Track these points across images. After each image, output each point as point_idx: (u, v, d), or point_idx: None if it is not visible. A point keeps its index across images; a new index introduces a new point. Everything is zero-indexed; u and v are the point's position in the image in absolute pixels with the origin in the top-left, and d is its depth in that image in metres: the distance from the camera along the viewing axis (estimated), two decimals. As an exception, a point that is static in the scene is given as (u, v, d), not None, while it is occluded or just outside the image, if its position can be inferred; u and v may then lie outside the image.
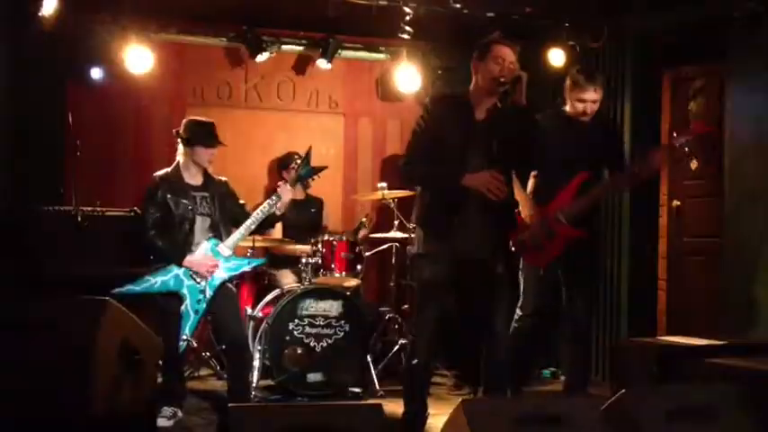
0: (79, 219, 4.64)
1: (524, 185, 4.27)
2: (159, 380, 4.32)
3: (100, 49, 5.38)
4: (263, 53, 5.88)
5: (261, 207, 4.28)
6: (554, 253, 4.15)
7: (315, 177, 4.60)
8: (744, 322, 4.42)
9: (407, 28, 5.25)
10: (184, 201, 4.18)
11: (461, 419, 2.40)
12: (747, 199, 4.48)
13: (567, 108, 4.27)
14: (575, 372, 4.45)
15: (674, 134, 4.04)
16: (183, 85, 6.05)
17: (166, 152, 5.90)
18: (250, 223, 4.24)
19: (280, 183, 4.40)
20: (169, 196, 4.16)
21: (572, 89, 4.20)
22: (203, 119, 4.38)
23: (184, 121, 4.37)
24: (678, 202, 5.32)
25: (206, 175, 4.33)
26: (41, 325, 2.84)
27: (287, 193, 4.29)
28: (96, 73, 5.46)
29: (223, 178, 4.43)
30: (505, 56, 3.56)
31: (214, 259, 4.16)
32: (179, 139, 4.28)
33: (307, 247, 5.02)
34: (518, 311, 4.34)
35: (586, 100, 4.16)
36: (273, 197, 4.28)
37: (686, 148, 4.03)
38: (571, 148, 4.14)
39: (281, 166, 5.84)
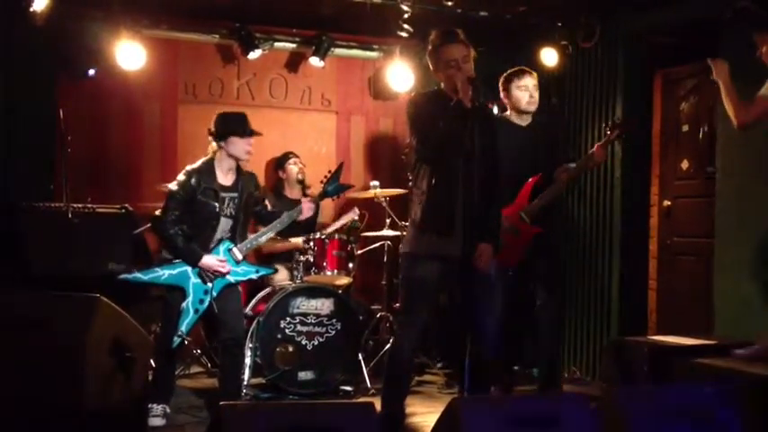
0: (69, 215, 4.61)
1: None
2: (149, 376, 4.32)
3: (91, 44, 5.35)
4: (256, 50, 5.87)
5: (280, 219, 4.28)
6: (520, 250, 4.36)
7: (340, 195, 4.56)
8: (734, 322, 4.44)
9: (405, 26, 5.25)
10: (213, 203, 4.08)
11: (452, 418, 2.41)
12: (738, 198, 4.50)
13: (509, 111, 4.55)
14: (545, 367, 4.60)
15: (608, 132, 4.45)
16: (174, 81, 6.03)
17: (158, 148, 5.95)
18: (266, 231, 4.26)
19: (304, 199, 4.40)
20: (199, 197, 4.05)
21: (510, 81, 4.52)
22: (234, 111, 4.27)
23: (215, 116, 4.21)
24: (669, 202, 5.34)
25: (238, 172, 4.22)
26: (32, 323, 2.83)
27: (309, 210, 4.33)
28: (88, 69, 5.44)
29: (252, 171, 4.35)
30: (456, 54, 3.53)
31: (226, 264, 4.11)
32: (211, 135, 4.15)
33: (299, 240, 5.03)
34: None
35: (528, 86, 4.49)
36: (294, 211, 4.29)
37: (622, 137, 4.61)
38: (518, 151, 4.34)
39: (276, 166, 5.86)
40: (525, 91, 4.49)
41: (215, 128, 4.15)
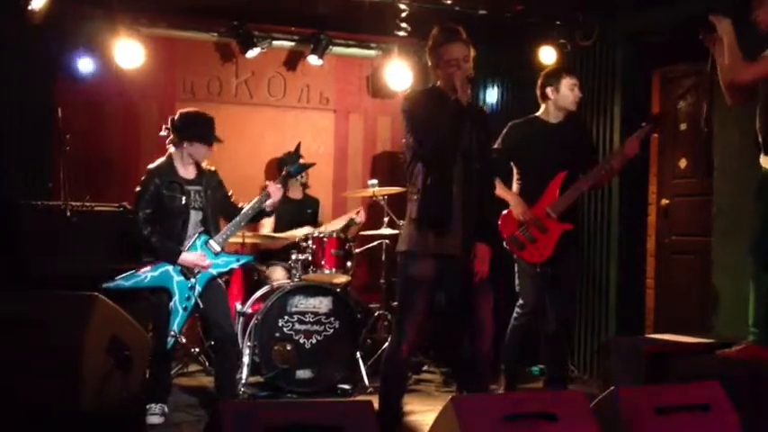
0: (68, 214, 4.61)
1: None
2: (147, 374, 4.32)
3: (90, 43, 5.35)
4: (254, 48, 5.87)
5: (250, 204, 4.26)
6: (550, 245, 4.32)
7: (303, 175, 4.56)
8: (732, 320, 4.44)
9: (403, 25, 5.24)
10: (179, 195, 4.11)
11: (451, 416, 2.41)
12: (736, 197, 4.50)
13: (544, 107, 4.48)
14: (555, 364, 4.57)
15: (642, 124, 4.36)
16: (173, 79, 6.03)
17: (156, 147, 5.91)
18: (239, 220, 4.23)
19: (268, 182, 4.35)
20: (164, 192, 4.09)
21: (560, 78, 4.43)
22: (200, 112, 4.26)
23: (180, 112, 4.22)
24: (666, 201, 5.35)
25: (198, 167, 4.25)
26: (30, 321, 2.83)
27: (276, 192, 4.28)
28: (86, 67, 5.43)
29: (212, 168, 4.35)
30: (457, 54, 3.51)
31: (206, 257, 4.14)
32: (172, 132, 4.16)
33: (301, 232, 5.05)
34: (517, 309, 4.42)
35: (577, 86, 4.44)
36: (262, 196, 4.27)
37: (653, 133, 4.66)
38: (548, 150, 4.35)
39: (281, 165, 5.82)
40: (574, 90, 4.43)
41: (179, 128, 4.15)
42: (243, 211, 4.25)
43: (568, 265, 4.43)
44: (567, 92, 4.42)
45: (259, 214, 4.33)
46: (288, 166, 4.45)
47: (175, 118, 4.19)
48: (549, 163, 4.33)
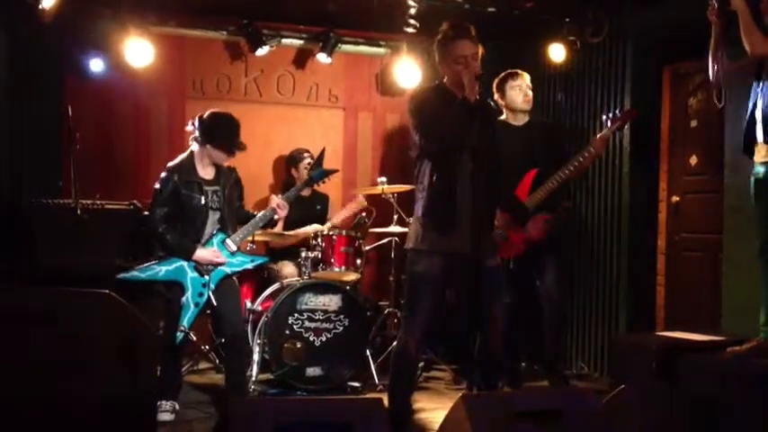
0: (78, 212, 4.63)
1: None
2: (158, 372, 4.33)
3: (99, 41, 5.37)
4: (263, 47, 5.87)
5: (260, 214, 4.28)
6: (521, 243, 4.48)
7: (325, 180, 4.60)
8: (742, 318, 4.42)
9: (413, 22, 5.24)
10: (197, 195, 4.12)
11: (461, 414, 2.41)
12: (747, 194, 4.47)
13: (504, 112, 4.70)
14: (550, 341, 4.71)
15: (608, 123, 4.55)
16: (182, 78, 6.04)
17: (165, 145, 5.95)
18: (257, 221, 4.26)
19: (273, 198, 4.34)
20: (183, 191, 4.10)
21: (504, 83, 4.68)
22: (229, 116, 4.23)
23: (210, 112, 4.22)
24: (677, 198, 5.32)
25: (218, 166, 4.25)
26: (40, 318, 2.84)
27: (282, 210, 4.31)
28: (96, 66, 5.45)
29: (232, 166, 4.35)
30: (466, 51, 3.51)
31: (221, 255, 4.15)
32: (196, 130, 4.16)
33: (310, 229, 5.07)
34: None
35: (521, 86, 4.65)
36: (268, 212, 4.28)
37: (619, 131, 4.80)
38: (516, 150, 4.48)
39: (289, 163, 5.84)
40: (520, 91, 4.65)
41: (206, 129, 4.15)
42: (255, 218, 4.27)
43: (545, 260, 4.60)
44: (511, 93, 4.66)
45: (269, 222, 4.37)
46: (311, 171, 4.52)
47: (204, 117, 4.18)
48: (518, 163, 4.47)
